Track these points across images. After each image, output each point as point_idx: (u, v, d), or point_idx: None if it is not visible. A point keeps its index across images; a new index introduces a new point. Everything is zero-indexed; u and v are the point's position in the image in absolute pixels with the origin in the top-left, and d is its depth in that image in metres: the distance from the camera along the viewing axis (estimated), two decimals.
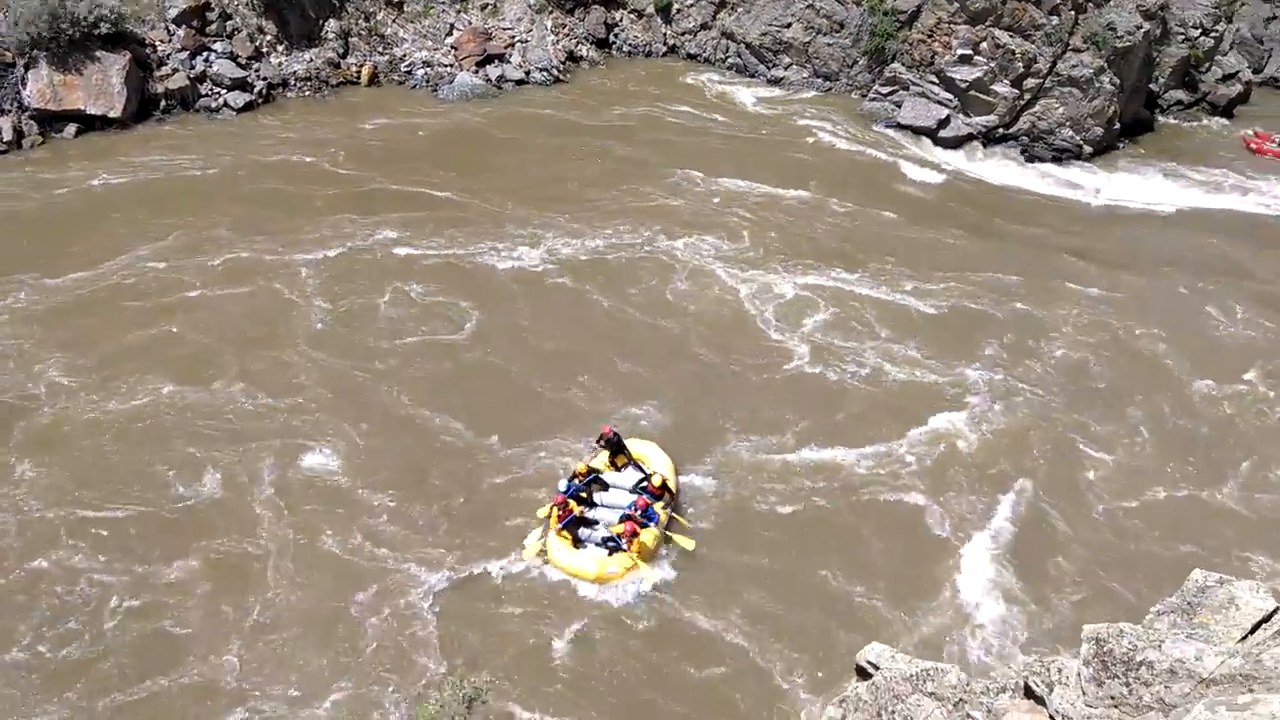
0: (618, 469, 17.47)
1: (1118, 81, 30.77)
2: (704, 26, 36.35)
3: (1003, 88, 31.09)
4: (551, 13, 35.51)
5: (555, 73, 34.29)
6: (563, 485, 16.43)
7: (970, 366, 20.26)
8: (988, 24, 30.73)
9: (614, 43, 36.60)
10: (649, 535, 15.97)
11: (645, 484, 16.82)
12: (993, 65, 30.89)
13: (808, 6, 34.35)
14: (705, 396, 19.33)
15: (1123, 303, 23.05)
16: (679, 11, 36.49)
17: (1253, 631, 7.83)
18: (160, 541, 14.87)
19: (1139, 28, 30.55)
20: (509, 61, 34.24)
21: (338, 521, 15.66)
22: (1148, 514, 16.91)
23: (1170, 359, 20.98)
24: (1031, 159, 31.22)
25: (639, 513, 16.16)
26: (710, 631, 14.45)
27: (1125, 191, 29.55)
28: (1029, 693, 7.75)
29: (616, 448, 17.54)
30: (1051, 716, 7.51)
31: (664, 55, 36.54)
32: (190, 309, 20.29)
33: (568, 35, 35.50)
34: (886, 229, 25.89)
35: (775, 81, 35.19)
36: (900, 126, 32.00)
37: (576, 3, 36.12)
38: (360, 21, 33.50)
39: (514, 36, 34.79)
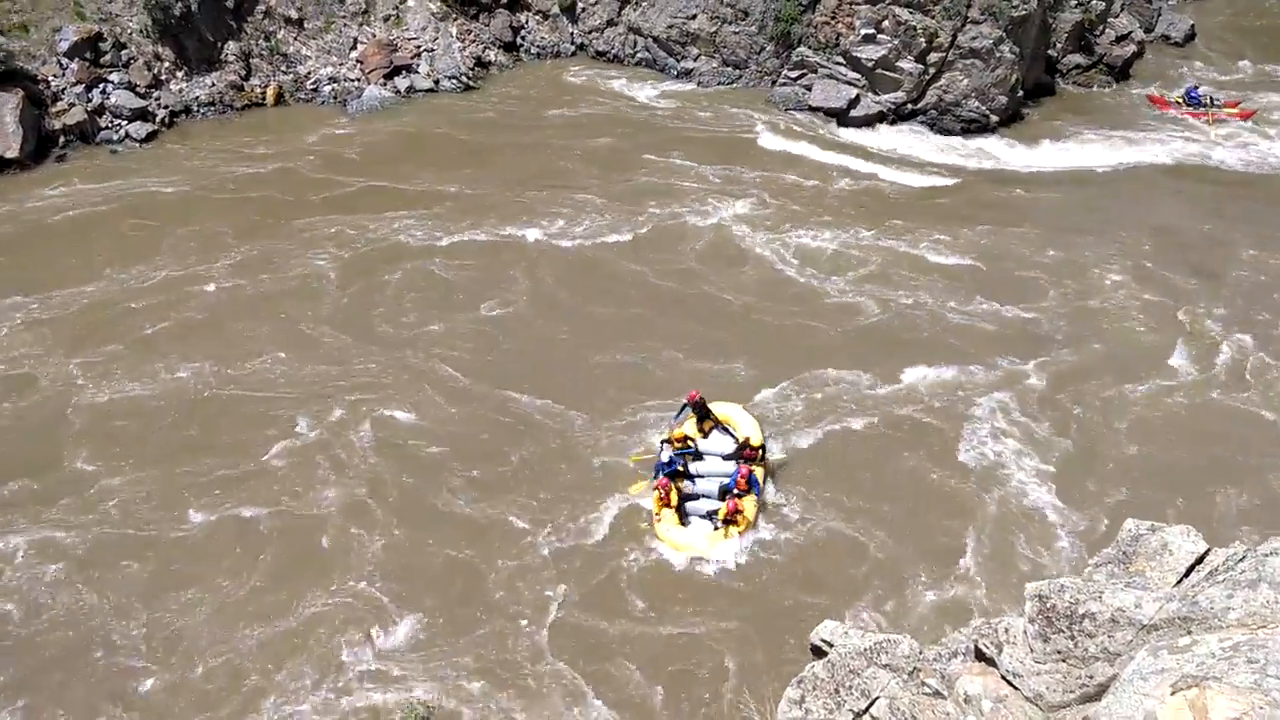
0: (704, 435, 17.89)
1: (1017, 50, 31.48)
2: (610, 23, 36.34)
3: (908, 64, 31.62)
4: (456, 19, 35.22)
5: (465, 79, 34.04)
6: (666, 456, 16.99)
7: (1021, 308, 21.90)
8: (888, 2, 31.21)
9: (521, 45, 36.42)
10: (750, 506, 16.46)
11: (744, 450, 17.17)
12: (896, 42, 31.39)
13: None
14: (770, 349, 20.52)
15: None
16: (584, 10, 36.43)
17: (1186, 575, 8.08)
18: (289, 482, 16.87)
19: None
20: (417, 71, 33.90)
21: (433, 486, 17.00)
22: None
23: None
24: (941, 132, 31.81)
25: (745, 480, 16.63)
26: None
27: (1029, 158, 30.34)
28: (980, 655, 7.91)
29: (703, 412, 17.94)
30: (1003, 676, 7.68)
31: (572, 55, 36.46)
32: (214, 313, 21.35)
33: (474, 41, 35.24)
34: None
35: (685, 73, 35.33)
36: (811, 109, 32.36)
37: (481, 8, 35.86)
38: (260, 41, 32.89)
39: (420, 46, 34.45)
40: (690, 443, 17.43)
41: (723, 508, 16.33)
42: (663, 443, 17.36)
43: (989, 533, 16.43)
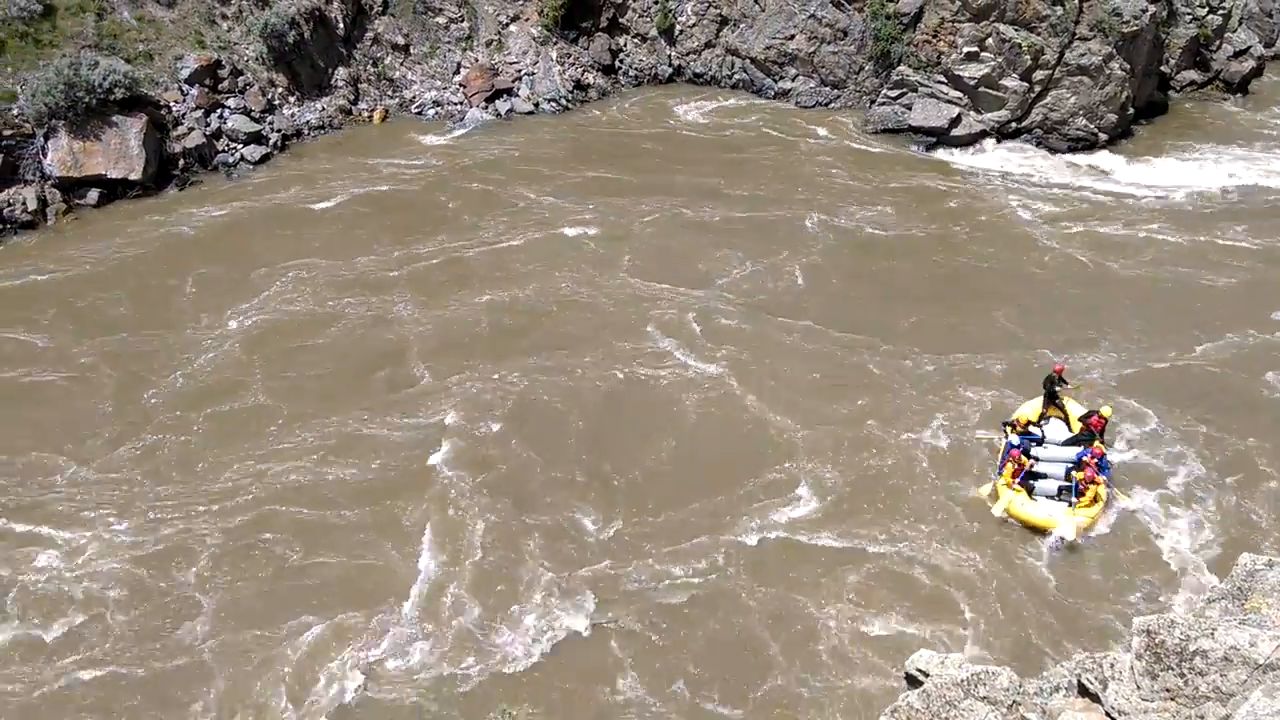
0: (1044, 419, 18.70)
1: (1128, 67, 30.57)
2: (708, 45, 36.49)
3: (1012, 82, 30.97)
4: (556, 43, 35.81)
5: (564, 102, 34.55)
6: (1014, 439, 17.63)
7: None
8: (991, 20, 30.66)
9: (619, 68, 36.82)
10: (1101, 487, 17.01)
11: (1090, 419, 17.79)
12: (1000, 60, 30.79)
13: (810, 17, 34.42)
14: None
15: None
16: (681, 32, 36.66)
17: None
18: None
19: (1144, 11, 30.37)
20: (517, 94, 34.55)
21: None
22: None
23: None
24: (1048, 150, 31.05)
25: (1095, 460, 17.14)
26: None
27: (1140, 175, 29.43)
28: (1083, 690, 7.64)
29: (1053, 392, 18.78)
30: (1107, 713, 7.39)
31: (669, 77, 36.70)
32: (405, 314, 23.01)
33: (573, 64, 35.77)
34: None
35: (783, 94, 35.23)
36: (913, 129, 31.93)
37: (580, 31, 36.40)
38: (369, 67, 33.92)
39: (520, 70, 35.10)
40: (1033, 428, 18.18)
41: (1078, 476, 16.95)
42: (1005, 425, 18.23)
43: None
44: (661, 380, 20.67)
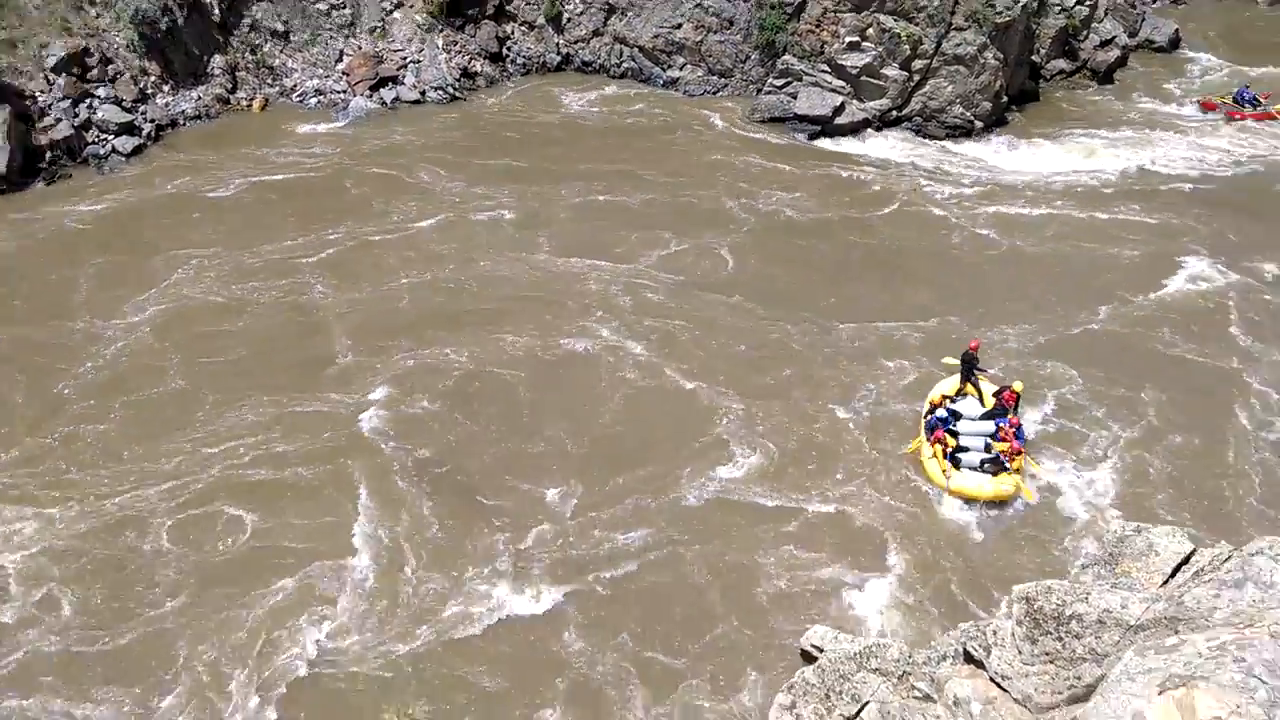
0: (959, 395, 19.49)
1: (1001, 56, 31.66)
2: (596, 34, 36.43)
3: (892, 71, 31.77)
4: (442, 31, 35.29)
5: (451, 90, 34.09)
6: (940, 413, 18.61)
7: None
8: (871, 10, 31.37)
9: (507, 56, 36.49)
10: (1021, 455, 18.01)
11: (1003, 394, 18.73)
12: (880, 50, 31.55)
13: (696, 6, 34.67)
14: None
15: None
16: (569, 20, 36.52)
17: (1173, 575, 8.11)
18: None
19: (1016, 2, 31.49)
20: (403, 83, 33.95)
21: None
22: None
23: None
24: (926, 138, 31.95)
25: (1013, 430, 18.24)
26: None
27: (1018, 160, 30.52)
28: (969, 658, 7.94)
29: (969, 369, 19.43)
30: (992, 678, 7.71)
31: (558, 65, 36.55)
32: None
33: (460, 52, 35.31)
34: None
35: (671, 83, 35.44)
36: (798, 117, 32.46)
37: (467, 19, 35.95)
38: (247, 55, 32.89)
39: (405, 58, 34.49)
40: (949, 404, 19.18)
41: (1000, 447, 18.01)
42: (931, 406, 19.17)
43: None
44: (594, 353, 21.19)
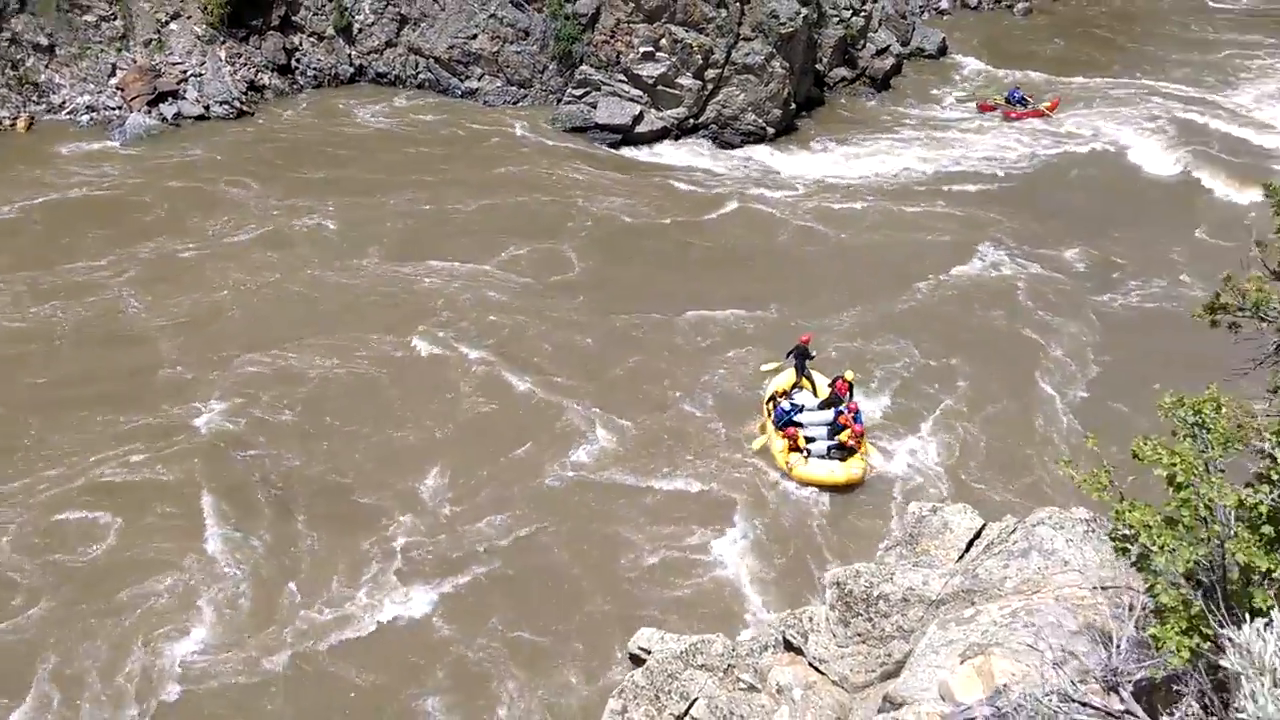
0: (795, 388, 20.19)
1: (787, 65, 33.01)
2: (389, 44, 35.68)
3: (687, 80, 32.59)
4: (224, 43, 33.71)
5: (239, 105, 32.62)
6: (784, 405, 19.37)
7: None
8: (663, 21, 32.10)
9: (297, 68, 35.24)
10: (865, 440, 19.13)
11: (836, 383, 19.73)
12: (674, 60, 32.31)
13: (491, 16, 34.51)
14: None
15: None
16: (361, 31, 35.61)
17: (967, 550, 8.66)
18: None
19: (798, 13, 32.90)
20: (184, 98, 32.21)
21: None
22: None
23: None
24: (722, 145, 32.94)
25: (851, 416, 19.15)
26: None
27: (802, 167, 31.93)
28: (788, 645, 8.24)
29: (803, 363, 20.26)
30: (810, 663, 8.02)
31: (351, 77, 35.60)
32: None
33: (245, 65, 33.84)
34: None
35: (470, 93, 35.14)
36: (599, 127, 32.81)
37: (251, 30, 34.47)
38: (8, 70, 30.45)
39: (186, 71, 32.76)
40: (784, 399, 19.85)
41: (845, 433, 18.90)
42: (769, 399, 19.93)
43: None
44: (443, 353, 21.39)
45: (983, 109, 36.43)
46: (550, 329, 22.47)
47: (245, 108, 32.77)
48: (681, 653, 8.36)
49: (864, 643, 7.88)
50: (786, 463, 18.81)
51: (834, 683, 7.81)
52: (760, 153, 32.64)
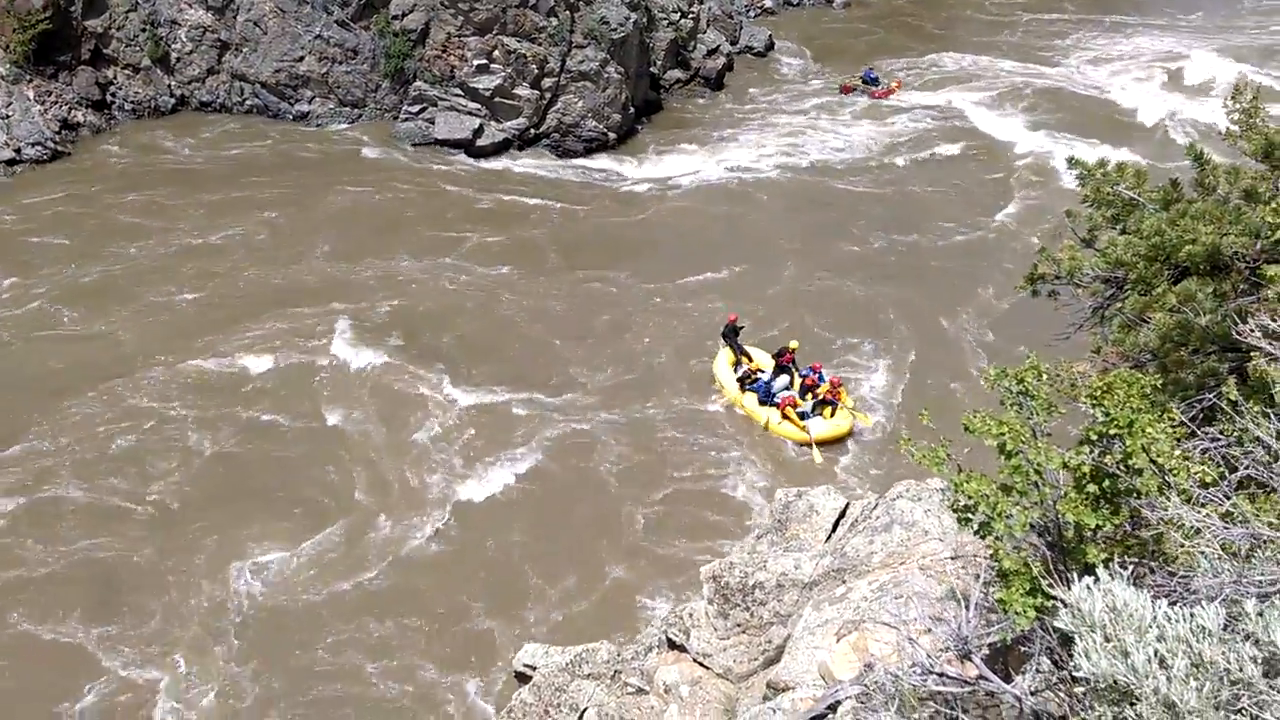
0: (738, 364, 21.53)
1: (622, 70, 33.33)
2: (211, 72, 34.41)
3: (524, 90, 32.54)
4: (31, 81, 31.87)
5: (52, 145, 30.91)
6: (770, 379, 20.91)
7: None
8: (495, 33, 31.96)
9: (113, 102, 33.62)
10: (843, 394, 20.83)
11: (784, 356, 21.24)
12: (509, 71, 32.20)
13: (316, 37, 33.67)
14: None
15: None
16: (179, 60, 34.22)
17: (834, 530, 8.97)
18: None
19: (628, 18, 33.27)
20: None
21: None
22: None
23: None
24: (565, 154, 33.02)
25: (815, 375, 20.77)
26: None
27: (644, 170, 32.39)
28: (672, 644, 8.37)
29: (734, 342, 21.64)
30: (695, 659, 8.17)
31: (174, 108, 34.20)
32: None
33: (56, 102, 32.09)
34: None
35: (301, 116, 34.21)
36: (439, 142, 32.45)
37: (59, 65, 32.69)
38: None
39: None
40: (751, 374, 21.24)
41: (824, 388, 20.46)
42: (742, 378, 21.11)
43: None
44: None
45: (845, 90, 38.17)
46: (520, 297, 25.06)
47: (60, 147, 31.09)
48: (567, 664, 8.39)
49: (744, 632, 8.06)
50: (796, 429, 20.08)
51: (719, 675, 7.96)
52: (603, 159, 32.88)
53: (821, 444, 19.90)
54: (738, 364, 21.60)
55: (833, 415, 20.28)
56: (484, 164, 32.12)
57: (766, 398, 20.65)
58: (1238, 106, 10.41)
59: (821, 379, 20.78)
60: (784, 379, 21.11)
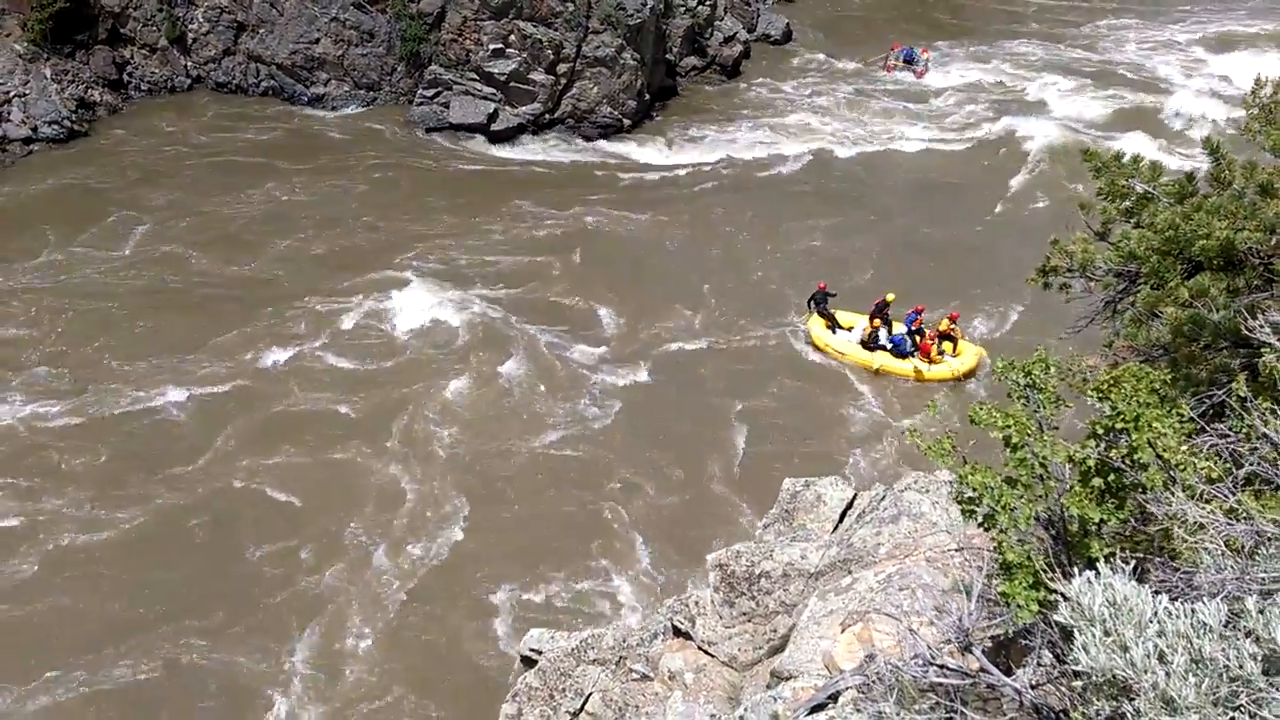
0: (835, 322, 23.07)
1: (638, 56, 33.24)
2: (227, 53, 34.47)
3: (539, 75, 32.49)
4: (49, 60, 31.99)
5: (69, 124, 31.04)
6: (898, 330, 22.30)
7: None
8: (511, 17, 31.90)
9: (130, 82, 33.73)
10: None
11: (883, 311, 22.59)
12: (525, 55, 32.16)
13: (332, 20, 33.67)
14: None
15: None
16: (196, 40, 34.28)
17: (841, 520, 8.97)
18: None
19: (644, 4, 33.15)
20: (9, 120, 30.46)
21: None
22: None
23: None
24: (582, 138, 32.99)
25: (920, 319, 22.51)
26: None
27: (659, 156, 32.36)
28: (677, 631, 8.41)
29: (823, 304, 22.95)
30: (700, 647, 8.20)
31: (189, 88, 34.28)
32: None
33: (74, 81, 32.20)
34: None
35: (317, 99, 34.26)
36: (454, 126, 32.45)
37: (77, 45, 32.80)
38: None
39: (9, 92, 30.97)
40: (872, 331, 22.60)
41: (943, 325, 22.14)
42: (864, 340, 22.45)
43: None
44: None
45: (888, 69, 38.41)
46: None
47: (77, 126, 31.22)
48: (573, 649, 8.44)
49: (749, 621, 8.08)
50: (938, 367, 21.73)
51: (724, 663, 7.99)
52: (617, 143, 32.84)
53: (963, 377, 21.72)
54: (833, 328, 22.84)
55: (955, 351, 22.04)
56: (496, 150, 32.17)
57: (910, 350, 22.11)
58: (1257, 101, 10.33)
59: (926, 324, 22.33)
60: (900, 329, 22.44)
